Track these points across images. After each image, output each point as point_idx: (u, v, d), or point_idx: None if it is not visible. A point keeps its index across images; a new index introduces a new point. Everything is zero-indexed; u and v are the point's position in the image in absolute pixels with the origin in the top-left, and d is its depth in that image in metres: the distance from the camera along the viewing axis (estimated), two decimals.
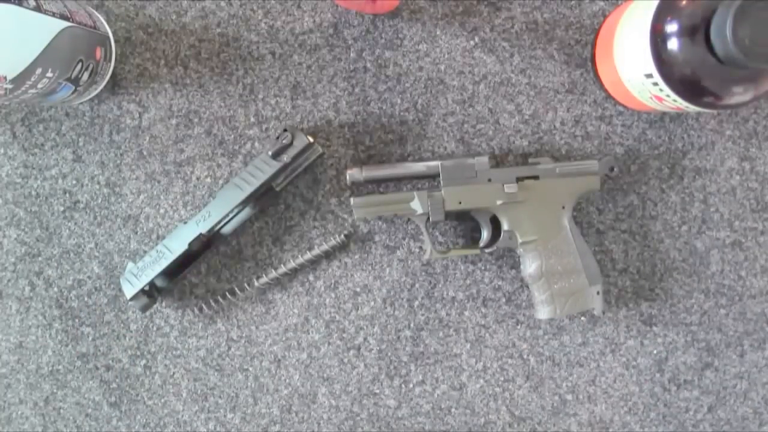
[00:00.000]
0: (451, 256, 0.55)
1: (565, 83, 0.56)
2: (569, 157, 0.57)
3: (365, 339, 0.58)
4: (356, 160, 0.57)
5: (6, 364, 0.59)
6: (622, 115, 0.57)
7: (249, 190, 0.53)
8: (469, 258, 0.57)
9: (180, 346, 0.58)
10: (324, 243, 0.57)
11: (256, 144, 0.57)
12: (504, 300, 0.58)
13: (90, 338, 0.58)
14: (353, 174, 0.54)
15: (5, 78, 0.42)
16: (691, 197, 0.57)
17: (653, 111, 0.54)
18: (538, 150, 0.57)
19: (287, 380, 0.58)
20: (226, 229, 0.56)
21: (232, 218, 0.54)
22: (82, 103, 0.56)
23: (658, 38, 0.43)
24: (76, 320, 0.58)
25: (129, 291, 0.54)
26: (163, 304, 0.58)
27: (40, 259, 0.58)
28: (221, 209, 0.53)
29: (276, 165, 0.53)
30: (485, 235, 0.55)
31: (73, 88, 0.50)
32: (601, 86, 0.55)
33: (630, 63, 0.47)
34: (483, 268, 0.57)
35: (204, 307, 0.57)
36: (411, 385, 0.58)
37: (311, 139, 0.53)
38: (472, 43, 0.56)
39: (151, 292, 0.55)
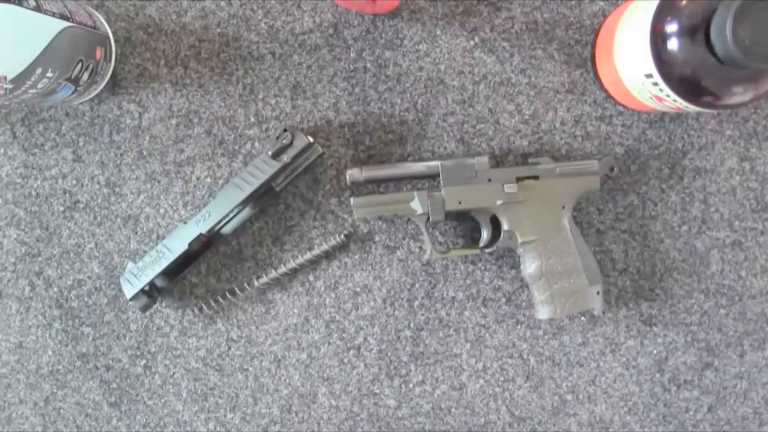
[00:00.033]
0: (451, 256, 0.55)
1: (565, 83, 0.56)
2: (569, 157, 0.57)
3: (365, 339, 0.58)
4: (356, 160, 0.57)
5: (6, 364, 0.59)
6: (622, 115, 0.57)
7: (249, 190, 0.53)
8: (469, 258, 0.57)
9: (180, 346, 0.58)
10: (324, 243, 0.57)
11: (256, 144, 0.57)
12: (504, 300, 0.58)
13: (90, 338, 0.58)
14: (353, 174, 0.54)
15: (5, 78, 0.42)
16: (691, 197, 0.57)
17: (653, 111, 0.54)
18: (538, 150, 0.57)
19: (287, 380, 0.58)
20: (226, 229, 0.56)
21: (232, 218, 0.54)
22: (82, 103, 0.56)
23: (658, 38, 0.43)
24: (76, 320, 0.58)
25: (129, 291, 0.54)
26: (163, 304, 0.58)
27: (40, 259, 0.58)
28: (221, 209, 0.53)
29: (276, 165, 0.53)
30: (485, 235, 0.55)
31: (73, 88, 0.50)
32: (601, 86, 0.55)
33: (630, 63, 0.47)
34: (483, 268, 0.57)
35: (204, 307, 0.57)
36: (411, 385, 0.58)
37: (311, 139, 0.53)
38: (472, 43, 0.56)
39: (151, 292, 0.55)
